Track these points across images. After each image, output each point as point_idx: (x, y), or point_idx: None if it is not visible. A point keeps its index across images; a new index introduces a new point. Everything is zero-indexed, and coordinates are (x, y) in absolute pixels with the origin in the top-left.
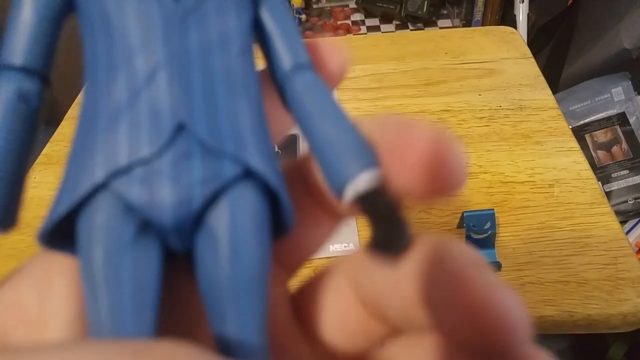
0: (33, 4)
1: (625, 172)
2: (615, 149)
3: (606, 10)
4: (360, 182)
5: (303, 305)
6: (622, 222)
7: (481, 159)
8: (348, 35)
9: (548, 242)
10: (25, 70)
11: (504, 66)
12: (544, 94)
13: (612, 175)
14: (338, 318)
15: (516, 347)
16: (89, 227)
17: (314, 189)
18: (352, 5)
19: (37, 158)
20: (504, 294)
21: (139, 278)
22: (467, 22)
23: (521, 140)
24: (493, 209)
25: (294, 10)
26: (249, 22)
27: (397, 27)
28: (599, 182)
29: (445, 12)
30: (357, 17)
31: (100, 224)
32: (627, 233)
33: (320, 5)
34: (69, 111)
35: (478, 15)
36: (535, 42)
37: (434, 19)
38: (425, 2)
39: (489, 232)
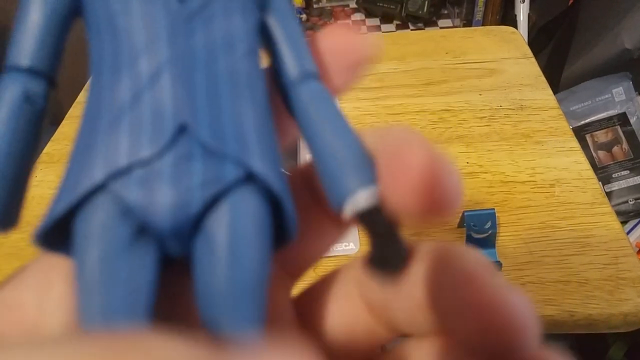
0: (41, 6)
1: (626, 172)
2: (615, 149)
3: (607, 11)
4: (360, 199)
5: (307, 308)
6: (623, 223)
7: (482, 158)
8: None
9: (549, 242)
10: (31, 71)
11: (505, 66)
12: (544, 94)
13: (613, 176)
14: (343, 322)
15: (526, 347)
16: (85, 228)
17: (320, 195)
18: (353, 5)
19: (38, 157)
20: (513, 295)
21: (134, 281)
22: (468, 22)
23: (522, 140)
24: (494, 209)
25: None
26: (255, 24)
27: (398, 27)
28: (600, 183)
29: (446, 12)
30: (358, 16)
31: (96, 226)
32: (627, 233)
33: (320, 5)
34: (70, 110)
35: (479, 15)
36: (536, 42)
37: (434, 19)
38: (426, 2)
39: (490, 232)
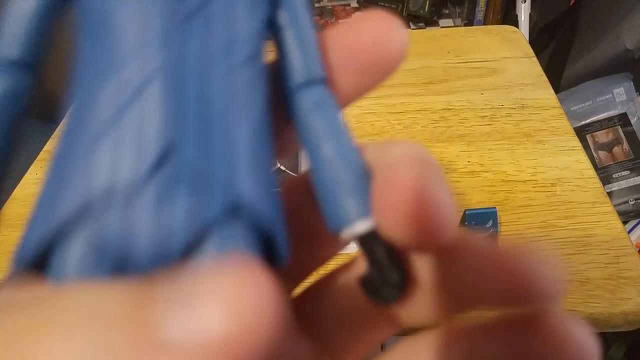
0: None
1: (627, 172)
2: (616, 149)
3: (608, 11)
4: (358, 227)
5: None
6: (623, 223)
7: (483, 157)
8: None
9: (550, 241)
10: (17, 63)
11: (506, 65)
12: (546, 93)
13: (613, 176)
14: (344, 321)
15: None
16: (60, 267)
17: None
18: (354, 4)
19: (38, 155)
20: (538, 256)
21: None
22: (469, 22)
23: (523, 139)
24: (495, 208)
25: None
26: (262, 23)
27: None
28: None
29: (447, 11)
30: None
31: (71, 266)
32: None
33: (321, 4)
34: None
35: (480, 15)
36: (537, 42)
37: (435, 18)
38: (427, 2)
39: (491, 231)
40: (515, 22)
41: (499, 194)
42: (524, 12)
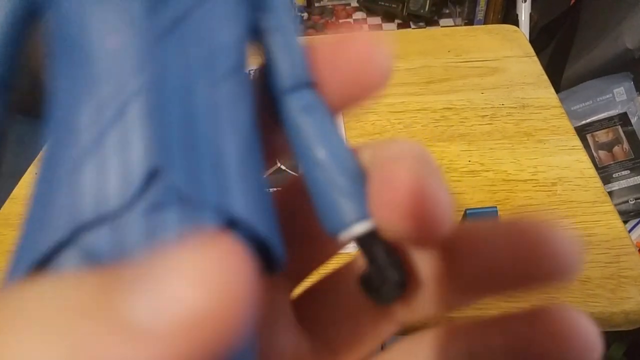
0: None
1: (627, 172)
2: (616, 149)
3: (609, 11)
4: (356, 229)
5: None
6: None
7: (484, 157)
8: None
9: None
10: None
11: (507, 64)
12: (547, 92)
13: (613, 176)
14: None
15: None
16: None
17: None
18: (354, 3)
19: (38, 154)
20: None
21: None
22: (469, 22)
23: (524, 139)
24: (496, 207)
25: (296, 9)
26: (244, 31)
27: (399, 26)
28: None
29: (448, 11)
30: (359, 15)
31: None
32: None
33: (322, 3)
34: None
35: (480, 15)
36: (537, 42)
37: (435, 18)
38: (428, 1)
39: None
40: (515, 22)
41: (500, 194)
42: (524, 11)
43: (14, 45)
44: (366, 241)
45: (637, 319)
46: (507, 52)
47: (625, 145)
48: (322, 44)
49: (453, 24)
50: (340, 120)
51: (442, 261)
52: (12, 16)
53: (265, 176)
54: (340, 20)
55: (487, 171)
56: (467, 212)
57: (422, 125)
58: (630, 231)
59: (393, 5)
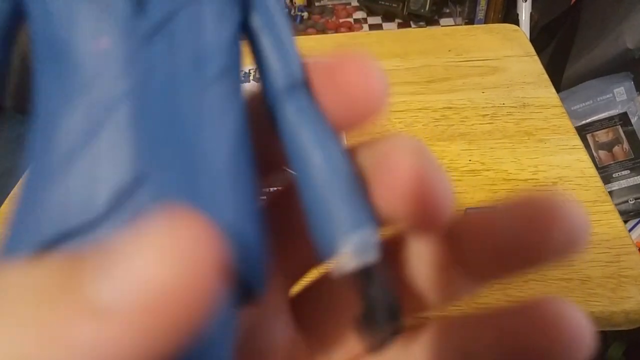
0: None
1: (627, 172)
2: (616, 149)
3: (609, 10)
4: (348, 262)
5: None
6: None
7: (484, 156)
8: (351, 33)
9: None
10: None
11: (508, 64)
12: (547, 92)
13: (613, 175)
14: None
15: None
16: None
17: None
18: (354, 3)
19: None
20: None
21: None
22: (470, 21)
23: (524, 138)
24: None
25: (296, 9)
26: (234, 32)
27: (400, 26)
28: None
29: (448, 10)
30: (359, 15)
31: None
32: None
33: (322, 3)
34: None
35: (480, 14)
36: (538, 42)
37: (436, 17)
38: (428, 1)
39: None
40: (516, 21)
41: (500, 193)
42: (524, 11)
43: (3, 46)
44: (359, 276)
45: (638, 318)
46: (507, 52)
47: (626, 145)
48: (315, 68)
49: (453, 24)
50: None
51: (446, 249)
52: None
53: (256, 181)
54: (341, 20)
55: (488, 170)
56: (468, 211)
57: (422, 125)
58: (630, 231)
59: (393, 5)
